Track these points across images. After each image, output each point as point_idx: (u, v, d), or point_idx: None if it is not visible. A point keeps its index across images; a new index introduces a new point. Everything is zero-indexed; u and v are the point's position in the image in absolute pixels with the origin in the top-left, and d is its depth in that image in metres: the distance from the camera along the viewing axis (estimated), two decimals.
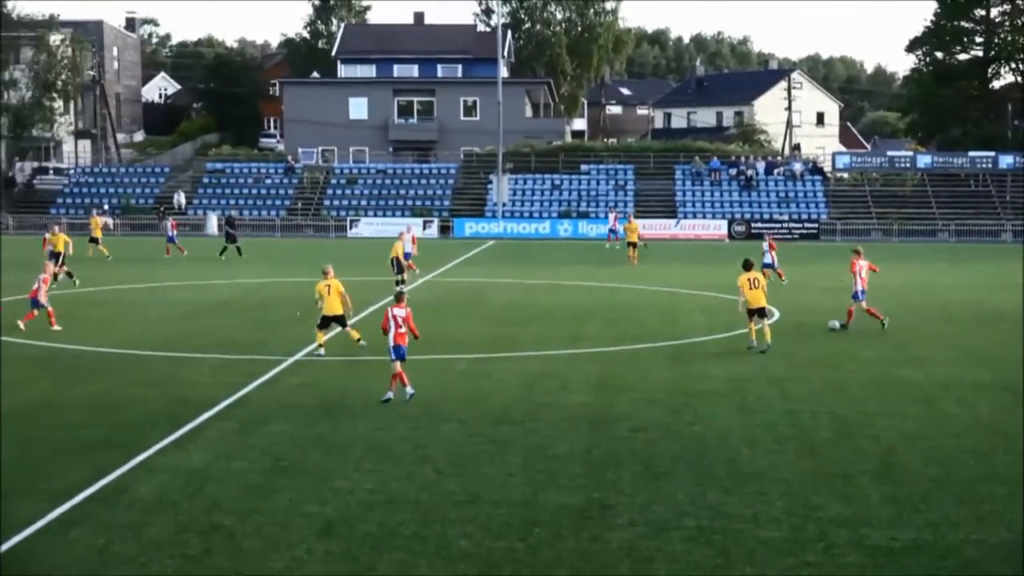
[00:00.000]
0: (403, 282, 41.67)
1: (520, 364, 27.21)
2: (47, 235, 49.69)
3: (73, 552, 13.62)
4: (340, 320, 28.21)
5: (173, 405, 21.98)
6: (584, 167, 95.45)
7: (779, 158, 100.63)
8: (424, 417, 21.16)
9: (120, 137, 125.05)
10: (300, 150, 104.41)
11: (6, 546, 13.85)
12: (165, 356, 27.61)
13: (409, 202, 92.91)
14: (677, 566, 13.38)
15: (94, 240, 58.97)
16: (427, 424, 20.60)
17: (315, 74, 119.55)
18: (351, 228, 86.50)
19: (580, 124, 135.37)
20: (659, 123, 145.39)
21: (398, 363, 22.35)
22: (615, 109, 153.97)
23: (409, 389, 22.45)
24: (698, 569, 13.29)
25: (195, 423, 20.38)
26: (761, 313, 29.03)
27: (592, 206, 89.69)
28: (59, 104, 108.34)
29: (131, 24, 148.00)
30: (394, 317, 22.44)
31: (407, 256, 47.46)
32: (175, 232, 61.90)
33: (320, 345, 28.10)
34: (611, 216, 75.78)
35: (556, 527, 14.78)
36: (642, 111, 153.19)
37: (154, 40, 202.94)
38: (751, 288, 28.71)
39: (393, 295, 23.70)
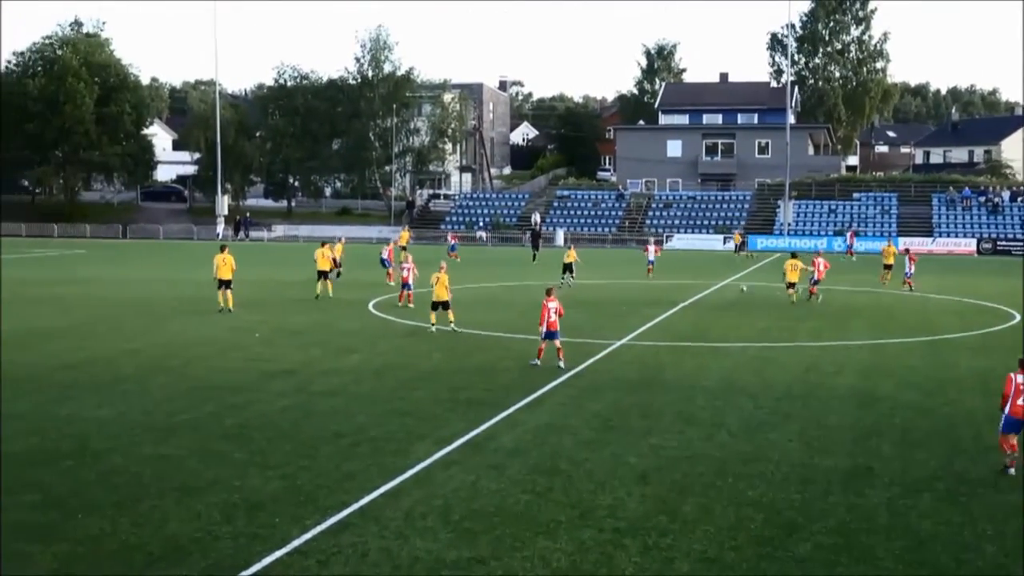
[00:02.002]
0: (570, 280, 44.88)
1: (799, 352, 26.43)
2: (392, 243, 51.22)
3: (452, 484, 13.98)
4: (444, 304, 29.19)
5: (529, 375, 22.34)
6: (856, 195, 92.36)
7: (1022, 188, 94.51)
8: (721, 391, 20.85)
9: (492, 171, 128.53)
10: (628, 181, 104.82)
11: (409, 474, 14.39)
12: (524, 338, 28.11)
13: (712, 222, 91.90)
14: (928, 521, 12.71)
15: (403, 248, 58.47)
16: (723, 397, 20.29)
17: (641, 122, 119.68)
18: (667, 242, 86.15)
19: (853, 160, 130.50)
20: (919, 160, 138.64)
21: (546, 342, 23.38)
22: (882, 148, 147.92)
23: (561, 363, 23.14)
24: (947, 525, 12.59)
25: (545, 389, 20.65)
26: (792, 286, 37.55)
27: (861, 226, 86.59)
28: (449, 146, 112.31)
29: (503, 85, 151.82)
30: (548, 309, 23.27)
31: (652, 263, 50.86)
32: (456, 243, 63.32)
33: (451, 321, 29.26)
34: (848, 234, 72.85)
35: (827, 484, 14.28)
36: (905, 150, 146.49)
37: (519, 97, 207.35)
38: (792, 270, 37.62)
39: (545, 290, 24.45)
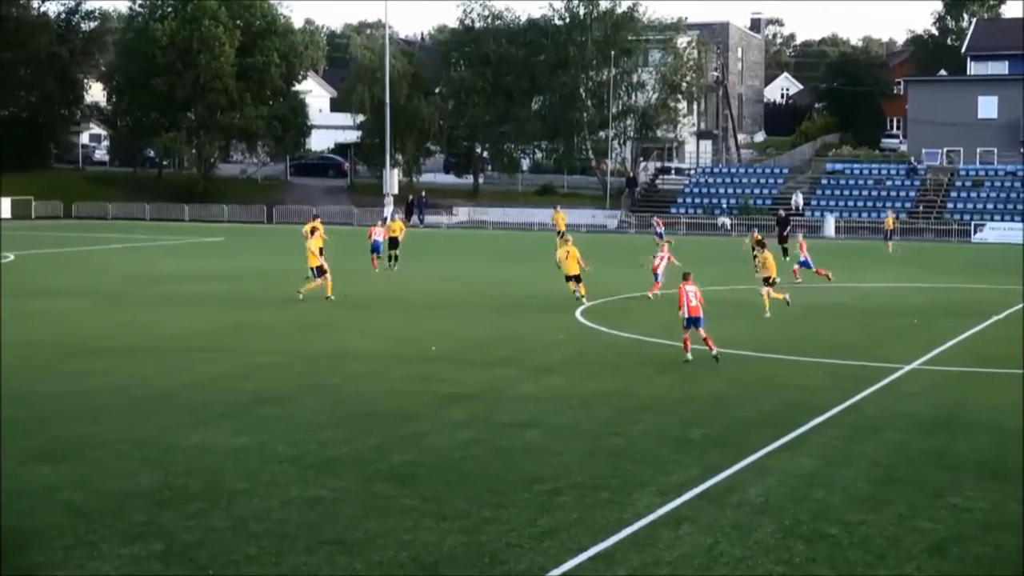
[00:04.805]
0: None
1: None
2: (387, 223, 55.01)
3: (681, 548, 13.92)
4: (577, 277, 37.33)
5: (783, 407, 22.07)
6: None
7: None
8: None
9: (741, 137, 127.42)
10: (923, 151, 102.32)
11: (625, 532, 14.40)
12: (778, 359, 27.77)
13: None
14: None
15: (561, 233, 62.85)
16: None
17: (942, 72, 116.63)
18: (975, 233, 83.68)
19: None
20: None
21: (689, 331, 26.33)
22: None
23: (714, 351, 26.23)
24: None
25: (805, 427, 20.34)
26: (768, 282, 36.43)
27: None
28: (683, 105, 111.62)
29: (756, 25, 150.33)
30: (686, 293, 26.18)
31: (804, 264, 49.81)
32: (663, 229, 64.73)
33: (582, 295, 37.24)
34: None
35: None
36: None
37: (778, 40, 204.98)
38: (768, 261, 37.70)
39: (683, 274, 27.41)
